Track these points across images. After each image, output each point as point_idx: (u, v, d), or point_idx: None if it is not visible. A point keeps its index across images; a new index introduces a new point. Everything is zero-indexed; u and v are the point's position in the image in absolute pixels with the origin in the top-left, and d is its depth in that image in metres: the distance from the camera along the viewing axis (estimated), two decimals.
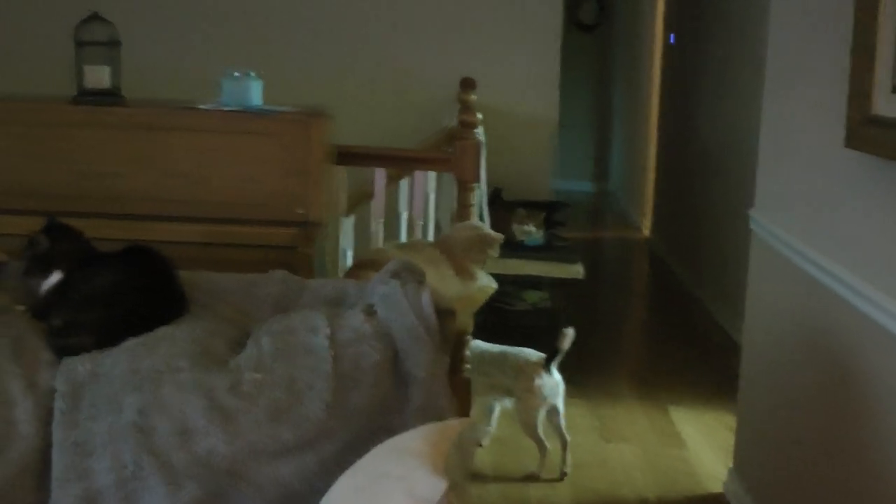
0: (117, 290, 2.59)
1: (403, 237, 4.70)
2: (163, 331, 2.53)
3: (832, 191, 3.31)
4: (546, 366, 4.56)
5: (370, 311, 2.56)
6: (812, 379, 3.46)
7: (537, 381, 4.54)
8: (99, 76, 3.76)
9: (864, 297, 2.93)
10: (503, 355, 4.66)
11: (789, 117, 3.85)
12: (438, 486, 1.82)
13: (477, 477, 4.53)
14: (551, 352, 4.58)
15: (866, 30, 2.87)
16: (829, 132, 3.25)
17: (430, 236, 4.88)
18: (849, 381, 3.09)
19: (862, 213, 3.03)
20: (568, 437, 4.63)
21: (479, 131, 5.25)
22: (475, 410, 4.63)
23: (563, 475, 4.60)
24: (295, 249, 3.57)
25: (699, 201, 8.18)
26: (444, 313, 2.67)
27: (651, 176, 10.55)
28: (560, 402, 4.63)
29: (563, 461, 4.62)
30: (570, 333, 4.59)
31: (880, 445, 2.86)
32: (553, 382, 4.58)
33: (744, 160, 6.16)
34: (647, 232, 10.55)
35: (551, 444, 4.63)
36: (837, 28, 3.18)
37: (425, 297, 2.54)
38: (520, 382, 4.56)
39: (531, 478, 4.57)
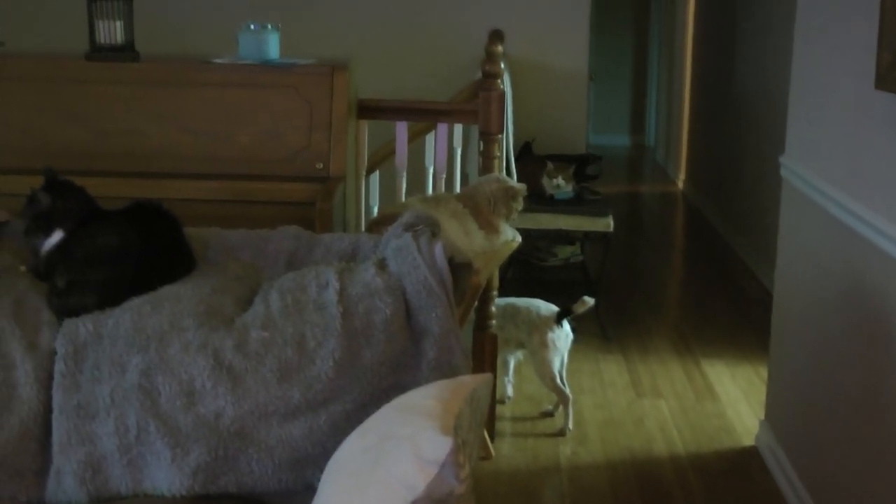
0: (121, 249, 2.51)
1: (430, 192, 4.61)
2: (168, 289, 2.45)
3: (863, 134, 3.19)
4: (558, 320, 4.52)
5: (382, 265, 2.47)
6: (844, 328, 3.36)
7: (550, 335, 4.50)
8: (112, 31, 3.69)
9: None
10: (514, 308, 4.60)
11: (819, 61, 3.74)
12: (445, 445, 1.75)
13: (503, 434, 4.46)
14: (564, 308, 4.55)
15: None
16: (859, 74, 3.15)
17: (457, 190, 4.79)
18: (882, 330, 2.99)
19: (894, 156, 2.91)
20: (570, 395, 4.57)
21: (506, 82, 5.15)
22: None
23: (562, 432, 4.53)
24: (314, 205, 3.49)
25: (733, 151, 8.05)
26: (461, 266, 2.59)
27: (686, 127, 10.41)
28: (566, 356, 4.61)
29: (566, 418, 4.56)
30: (588, 302, 4.56)
31: None
32: (564, 335, 4.57)
33: (778, 108, 6.03)
34: (681, 185, 10.42)
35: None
36: None
37: (438, 249, 2.45)
38: (533, 336, 4.53)
39: (560, 433, 4.50)
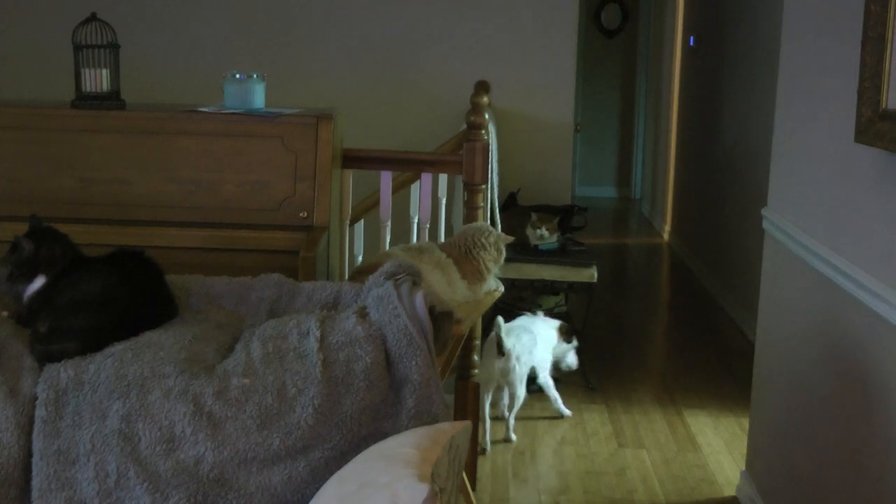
0: (103, 296, 2.52)
1: (415, 241, 4.64)
2: (149, 336, 2.47)
3: (843, 187, 3.23)
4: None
5: (363, 314, 2.49)
6: (825, 380, 3.38)
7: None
8: (98, 79, 3.72)
9: (878, 296, 2.84)
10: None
11: (801, 114, 3.78)
12: (421, 492, 1.76)
13: (483, 482, 4.47)
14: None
15: (878, 23, 2.80)
16: (840, 128, 3.19)
17: (442, 240, 4.82)
18: (863, 383, 3.01)
19: (874, 209, 2.95)
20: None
21: (491, 132, 5.19)
22: None
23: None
24: (298, 254, 3.51)
25: (718, 205, 8.10)
26: (443, 315, 2.61)
27: (672, 180, 10.47)
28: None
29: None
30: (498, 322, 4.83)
31: (894, 449, 2.77)
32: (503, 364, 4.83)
33: (760, 162, 6.08)
34: (667, 237, 10.47)
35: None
36: (849, 24, 3.10)
37: (419, 299, 2.47)
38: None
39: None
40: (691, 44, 9.63)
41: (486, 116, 4.33)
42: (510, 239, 3.74)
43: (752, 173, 6.80)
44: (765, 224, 4.13)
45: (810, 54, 3.69)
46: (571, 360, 5.38)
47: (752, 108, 7.05)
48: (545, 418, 5.27)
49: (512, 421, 5.00)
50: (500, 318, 4.82)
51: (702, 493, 4.46)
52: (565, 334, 5.32)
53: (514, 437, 4.99)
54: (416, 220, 4.50)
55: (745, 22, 7.43)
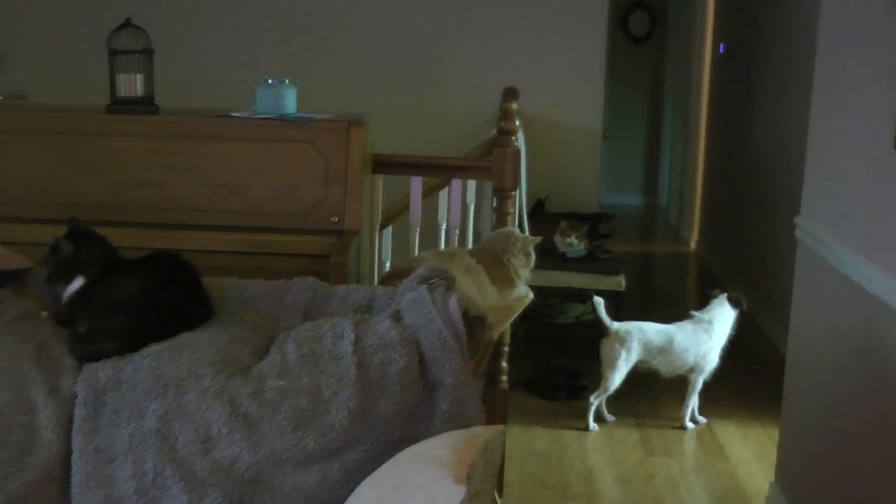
0: (141, 297, 2.55)
1: (442, 248, 4.65)
2: (186, 337, 2.49)
3: (880, 196, 3.21)
4: None
5: (397, 317, 2.51)
6: (860, 392, 3.36)
7: None
8: (132, 84, 3.75)
9: None
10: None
11: (837, 122, 3.76)
12: (459, 494, 1.77)
13: (511, 487, 4.47)
14: None
15: None
16: (877, 135, 3.17)
17: (470, 246, 4.83)
18: None
19: None
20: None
21: (520, 139, 5.20)
22: None
23: None
24: (329, 258, 3.53)
25: (747, 213, 8.07)
26: (475, 320, 2.62)
27: (699, 188, 10.44)
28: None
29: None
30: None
31: None
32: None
33: (793, 169, 6.06)
34: (694, 245, 10.43)
35: None
36: (887, 30, 3.09)
37: (452, 302, 2.48)
38: None
39: None
40: (721, 51, 9.61)
41: (517, 123, 4.35)
42: (537, 240, 3.74)
43: (784, 181, 6.77)
44: (797, 233, 4.11)
45: (847, 61, 3.68)
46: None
47: (784, 115, 7.03)
48: (572, 427, 5.27)
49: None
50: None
51: (730, 502, 4.45)
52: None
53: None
54: (444, 226, 4.51)
55: (777, 29, 7.41)
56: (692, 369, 5.25)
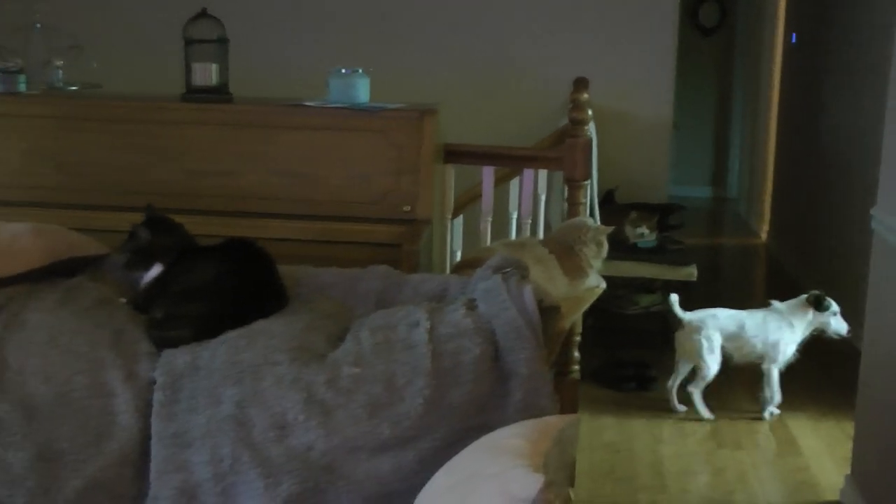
0: (217, 284, 2.58)
1: (513, 237, 4.64)
2: (261, 324, 2.51)
3: None
4: None
5: (471, 306, 2.50)
6: None
7: None
8: (207, 73, 3.78)
9: None
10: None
11: None
12: (536, 482, 1.76)
13: (581, 478, 4.45)
14: None
15: None
16: None
17: (540, 236, 4.81)
18: None
19: None
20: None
21: (591, 129, 5.17)
22: None
23: None
24: (401, 247, 3.53)
25: (819, 204, 7.96)
26: (549, 310, 2.61)
27: (770, 179, 10.32)
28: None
29: None
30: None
31: None
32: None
33: (869, 159, 5.97)
34: (765, 237, 10.32)
35: None
36: None
37: (527, 292, 2.47)
38: None
39: None
40: (793, 41, 9.49)
41: (589, 113, 4.31)
42: (609, 230, 3.72)
43: (859, 173, 6.67)
44: (873, 224, 4.05)
45: None
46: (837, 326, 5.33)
47: (859, 106, 6.92)
48: (643, 417, 5.24)
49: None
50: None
51: (803, 495, 4.40)
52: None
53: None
54: (514, 216, 4.50)
55: (852, 18, 7.29)
56: (762, 357, 5.20)
